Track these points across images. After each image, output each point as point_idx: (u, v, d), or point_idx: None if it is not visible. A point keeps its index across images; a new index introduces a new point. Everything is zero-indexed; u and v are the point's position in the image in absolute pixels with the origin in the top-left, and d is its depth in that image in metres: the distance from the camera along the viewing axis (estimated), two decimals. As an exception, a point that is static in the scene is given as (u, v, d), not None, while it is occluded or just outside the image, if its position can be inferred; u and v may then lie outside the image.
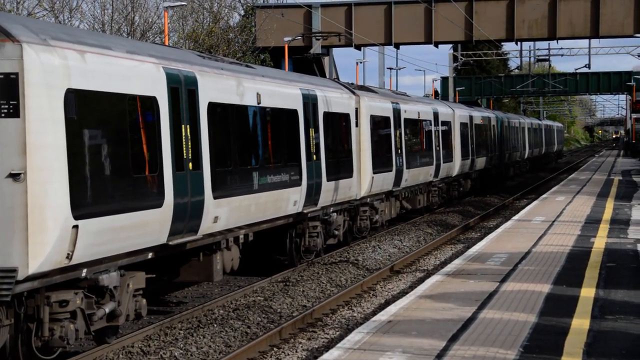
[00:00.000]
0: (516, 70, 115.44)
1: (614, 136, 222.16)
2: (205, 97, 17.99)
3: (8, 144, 12.65)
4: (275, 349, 16.32)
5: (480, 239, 29.17)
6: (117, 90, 14.86)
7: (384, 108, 31.81)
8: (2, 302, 12.78)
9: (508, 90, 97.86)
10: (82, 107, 13.81)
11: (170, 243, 16.53)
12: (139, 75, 15.62)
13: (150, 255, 16.14)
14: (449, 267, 20.59)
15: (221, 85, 18.92)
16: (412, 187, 35.77)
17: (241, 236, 20.09)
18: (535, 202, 38.59)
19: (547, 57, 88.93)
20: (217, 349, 16.20)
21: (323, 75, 52.20)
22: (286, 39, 47.05)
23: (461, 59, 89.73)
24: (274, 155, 21.75)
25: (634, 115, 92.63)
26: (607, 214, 32.21)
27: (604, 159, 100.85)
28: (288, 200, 22.38)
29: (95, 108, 14.32)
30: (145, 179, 15.64)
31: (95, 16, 50.12)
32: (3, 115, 12.65)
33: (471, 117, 48.14)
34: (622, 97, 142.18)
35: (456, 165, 44.04)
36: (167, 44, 39.26)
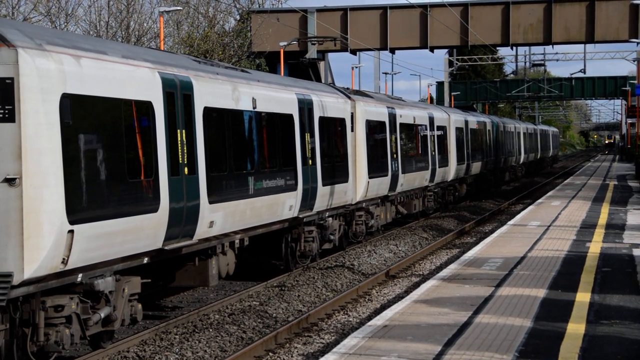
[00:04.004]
0: (511, 75, 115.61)
1: (606, 141, 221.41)
2: (200, 102, 17.99)
3: (3, 148, 12.65)
4: (270, 353, 16.32)
5: (476, 243, 29.18)
6: (113, 95, 14.86)
7: (379, 113, 31.82)
8: (-2, 307, 12.77)
9: (503, 95, 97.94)
10: (78, 112, 13.80)
11: (166, 248, 16.52)
12: (134, 80, 15.62)
13: (145, 260, 16.13)
14: (444, 272, 20.60)
15: (217, 90, 18.92)
16: (407, 191, 35.78)
17: (237, 241, 20.08)
18: (530, 207, 38.62)
19: (542, 62, 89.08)
20: (212, 354, 16.19)
21: (318, 79, 52.20)
22: (282, 43, 47.06)
23: (457, 63, 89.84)
24: (269, 160, 21.75)
25: (629, 120, 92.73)
26: (603, 218, 32.24)
27: (599, 163, 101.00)
28: (284, 205, 22.38)
29: (90, 113, 14.31)
30: (141, 183, 15.64)
31: (90, 21, 50.07)
32: (-2, 119, 12.65)
33: (467, 122, 48.17)
34: (618, 102, 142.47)
35: (452, 169, 44.07)
36: (162, 48, 39.25)
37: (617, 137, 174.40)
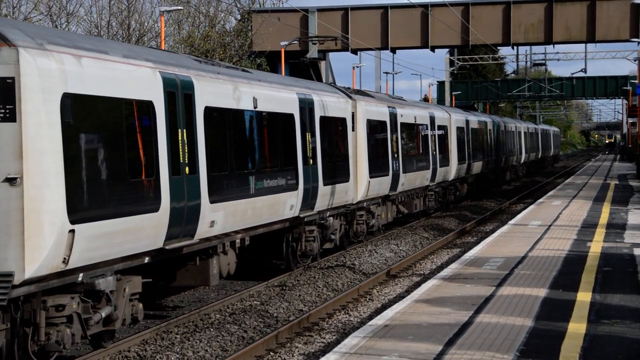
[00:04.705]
0: (512, 75, 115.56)
1: (606, 141, 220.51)
2: (201, 102, 17.99)
3: (4, 148, 12.65)
4: (271, 353, 16.32)
5: (477, 243, 29.18)
6: (114, 94, 14.86)
7: (380, 112, 31.81)
8: (-1, 307, 12.78)
9: (504, 95, 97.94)
10: (79, 112, 13.80)
11: (167, 247, 16.52)
12: (135, 79, 15.62)
13: (146, 259, 16.14)
14: (445, 272, 20.60)
15: (218, 90, 18.92)
16: (408, 191, 35.77)
17: (237, 240, 20.08)
18: (531, 207, 38.62)
19: (543, 62, 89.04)
20: (213, 354, 16.19)
21: (319, 79, 52.24)
22: (283, 43, 47.07)
23: (457, 63, 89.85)
24: (270, 160, 21.75)
25: (630, 120, 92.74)
26: (604, 218, 32.23)
27: (600, 163, 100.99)
28: (284, 205, 22.37)
29: (91, 112, 14.31)
30: (142, 183, 15.64)
31: (91, 21, 50.08)
32: (-1, 119, 12.66)
33: (467, 122, 48.16)
34: (619, 101, 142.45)
35: (453, 169, 44.05)
36: (163, 48, 39.25)
37: (618, 136, 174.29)
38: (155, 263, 16.96)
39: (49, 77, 13.15)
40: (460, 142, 45.88)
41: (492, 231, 33.67)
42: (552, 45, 57.68)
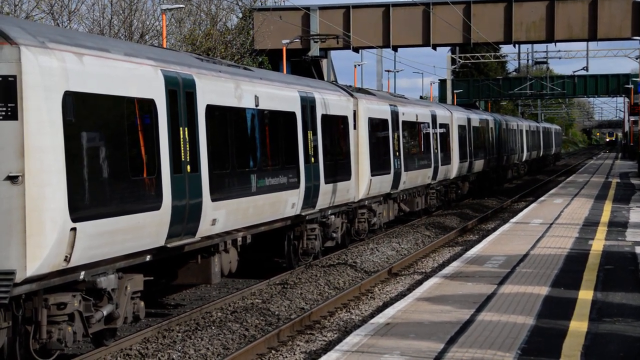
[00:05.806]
0: (514, 73, 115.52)
1: (607, 139, 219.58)
2: (203, 100, 17.99)
3: (6, 146, 12.65)
4: (273, 351, 16.32)
5: (478, 241, 29.16)
6: (115, 92, 14.86)
7: (382, 110, 31.81)
8: (0, 305, 12.77)
9: (506, 93, 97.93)
10: (80, 110, 13.80)
11: (168, 245, 16.53)
12: (137, 77, 15.62)
13: (148, 257, 16.14)
14: (447, 270, 20.60)
15: (219, 88, 18.92)
16: (410, 189, 35.77)
17: (239, 239, 20.08)
18: (533, 205, 38.61)
19: (545, 60, 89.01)
20: (215, 352, 16.20)
21: (321, 77, 52.21)
22: (284, 41, 47.05)
23: (459, 61, 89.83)
24: (272, 158, 21.75)
25: (632, 118, 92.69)
26: (605, 216, 32.22)
27: (602, 161, 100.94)
28: (286, 203, 22.37)
29: (93, 110, 14.31)
30: (143, 181, 15.64)
31: (93, 19, 50.09)
32: (1, 117, 12.66)
33: (469, 120, 48.14)
34: (620, 99, 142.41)
35: (454, 167, 44.04)
36: (165, 46, 39.25)
37: (620, 134, 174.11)
38: (157, 261, 16.96)
39: (51, 75, 13.15)
40: (462, 140, 45.86)
41: (494, 229, 33.66)
42: (553, 44, 57.65)
